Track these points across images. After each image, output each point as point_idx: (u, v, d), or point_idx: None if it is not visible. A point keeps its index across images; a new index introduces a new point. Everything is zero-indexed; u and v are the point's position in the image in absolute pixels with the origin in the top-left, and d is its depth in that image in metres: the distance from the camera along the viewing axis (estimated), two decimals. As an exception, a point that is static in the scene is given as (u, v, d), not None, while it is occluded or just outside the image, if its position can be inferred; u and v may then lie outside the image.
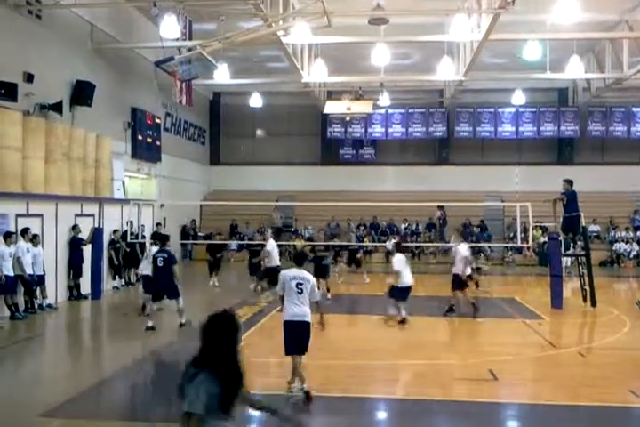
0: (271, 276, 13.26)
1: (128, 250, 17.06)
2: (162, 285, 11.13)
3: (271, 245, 14.57)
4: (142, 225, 17.95)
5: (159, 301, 11.31)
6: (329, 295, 14.41)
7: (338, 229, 24.87)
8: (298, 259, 7.68)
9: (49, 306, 13.28)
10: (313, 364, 8.68)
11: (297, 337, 7.23)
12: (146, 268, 12.42)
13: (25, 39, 14.50)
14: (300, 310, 7.20)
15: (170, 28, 15.07)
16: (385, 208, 25.22)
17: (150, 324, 11.00)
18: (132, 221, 17.16)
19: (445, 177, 28.48)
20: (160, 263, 11.07)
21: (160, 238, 12.01)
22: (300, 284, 7.23)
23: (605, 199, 26.46)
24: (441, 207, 23.73)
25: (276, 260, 14.50)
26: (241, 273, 18.33)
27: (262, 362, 8.48)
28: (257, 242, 16.95)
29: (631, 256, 24.95)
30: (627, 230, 25.86)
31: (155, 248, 12.26)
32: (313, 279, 7.41)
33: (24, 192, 13.33)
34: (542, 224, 18.69)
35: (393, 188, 28.28)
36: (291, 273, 7.38)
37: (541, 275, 16.47)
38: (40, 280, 13.00)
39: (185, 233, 26.00)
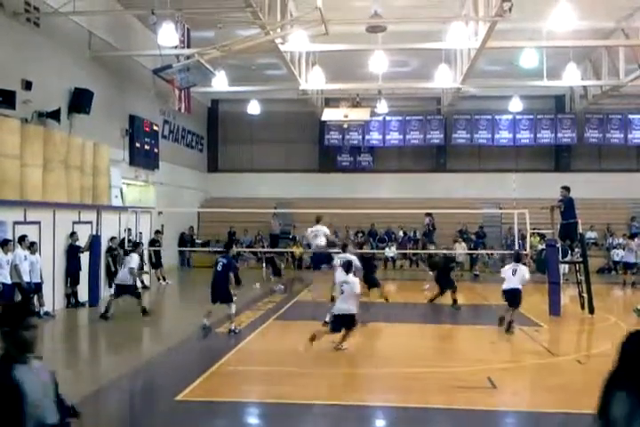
0: None
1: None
2: (217, 288, 11.52)
3: None
4: (140, 232, 17.94)
5: (215, 303, 11.59)
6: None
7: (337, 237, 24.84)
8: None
9: (46, 314, 13.23)
10: (308, 372, 8.67)
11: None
12: (123, 276, 13.17)
13: (23, 47, 14.53)
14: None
15: (168, 35, 15.13)
16: (383, 215, 25.24)
17: (207, 323, 11.57)
18: (129, 229, 17.14)
19: (443, 184, 28.53)
20: (219, 268, 11.54)
21: (225, 244, 12.80)
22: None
23: (603, 206, 26.53)
24: (429, 214, 23.75)
25: None
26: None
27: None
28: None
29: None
30: (624, 237, 25.85)
31: (134, 256, 13.27)
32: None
33: (22, 200, 13.30)
34: (540, 231, 18.69)
35: (390, 195, 28.30)
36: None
37: (539, 282, 16.45)
38: (37, 288, 12.96)
39: (183, 240, 25.98)
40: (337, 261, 13.32)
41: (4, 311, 3.28)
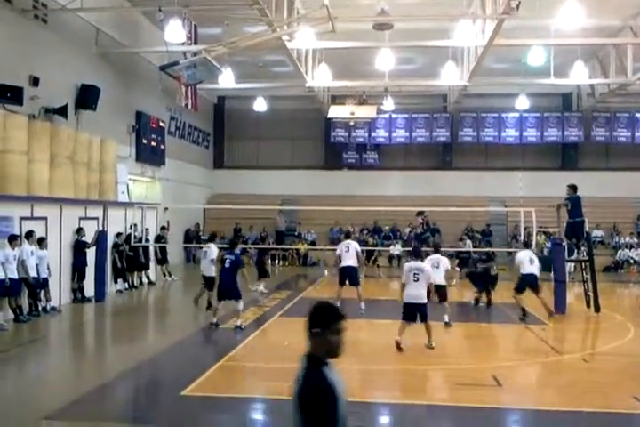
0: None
1: (131, 254, 17.11)
2: (225, 285, 11.46)
3: None
4: (147, 228, 18.00)
5: (223, 300, 11.58)
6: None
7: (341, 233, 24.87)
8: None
9: (53, 309, 13.30)
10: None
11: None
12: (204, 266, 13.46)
13: (31, 43, 14.58)
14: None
15: (175, 32, 15.14)
16: (388, 213, 25.23)
17: (214, 320, 11.52)
18: (134, 225, 17.19)
19: (449, 182, 28.48)
20: (227, 265, 11.49)
21: (230, 242, 12.84)
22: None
23: (609, 205, 26.42)
24: (421, 213, 23.41)
25: None
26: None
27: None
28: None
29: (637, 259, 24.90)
30: (631, 236, 25.81)
31: (213, 247, 13.56)
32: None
33: (29, 195, 13.36)
34: (546, 229, 18.64)
35: (396, 192, 28.26)
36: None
37: (545, 280, 16.42)
38: (44, 283, 13.04)
39: (188, 236, 26.03)
40: (341, 247, 13.86)
41: (316, 312, 3.15)
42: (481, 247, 18.86)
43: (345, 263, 13.67)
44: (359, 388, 8.02)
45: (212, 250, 13.51)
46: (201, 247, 16.02)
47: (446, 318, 11.98)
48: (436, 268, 11.76)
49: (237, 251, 12.27)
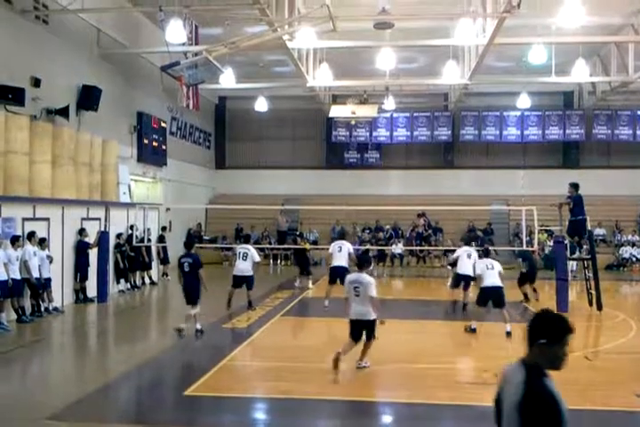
0: None
1: (132, 254, 17.12)
2: (191, 289, 11.00)
3: None
4: (148, 229, 18.02)
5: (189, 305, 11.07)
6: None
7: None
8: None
9: (55, 309, 13.33)
10: (317, 367, 8.71)
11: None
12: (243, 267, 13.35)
13: (32, 44, 14.60)
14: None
15: (176, 32, 15.15)
16: (390, 212, 25.24)
17: (182, 326, 10.88)
18: (132, 226, 17.17)
19: (450, 181, 28.50)
20: (186, 268, 10.98)
21: (185, 244, 11.94)
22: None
23: (611, 203, 26.40)
24: (422, 214, 23.36)
25: None
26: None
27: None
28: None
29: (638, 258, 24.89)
30: (633, 234, 25.78)
31: (252, 248, 13.64)
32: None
33: (31, 196, 13.39)
34: (548, 228, 18.63)
35: (398, 191, 28.29)
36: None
37: (547, 279, 16.43)
38: (46, 284, 13.08)
39: (190, 236, 26.04)
40: (333, 247, 13.66)
41: (545, 323, 3.07)
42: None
43: (336, 263, 13.74)
44: (360, 386, 8.04)
45: (253, 251, 13.57)
46: (202, 248, 16.02)
47: (508, 328, 11.05)
48: (491, 269, 11.27)
49: (194, 252, 11.57)
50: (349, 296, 8.56)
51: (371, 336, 8.62)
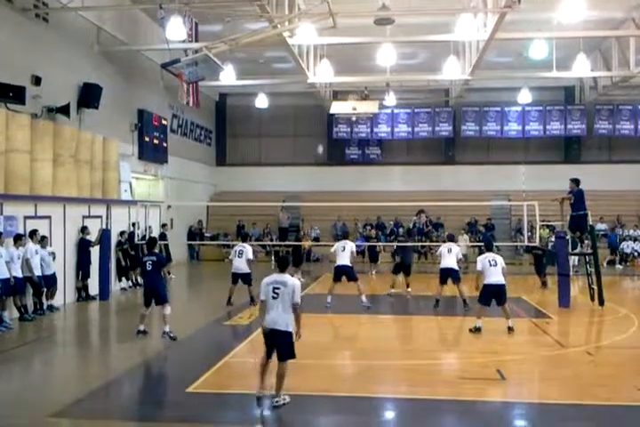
0: None
1: (133, 253, 17.11)
2: (150, 289, 10.64)
3: None
4: (150, 226, 18.01)
5: (149, 306, 10.66)
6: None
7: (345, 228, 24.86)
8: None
9: (49, 307, 13.32)
10: (320, 364, 8.72)
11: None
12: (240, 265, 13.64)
13: (32, 42, 14.59)
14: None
15: (176, 30, 15.15)
16: (391, 208, 25.22)
17: (142, 328, 10.72)
18: (133, 223, 17.17)
19: (452, 176, 28.50)
20: (149, 267, 10.51)
21: (148, 243, 11.30)
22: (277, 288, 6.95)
23: (612, 198, 26.38)
24: (422, 211, 23.38)
25: None
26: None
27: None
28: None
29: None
30: (635, 228, 25.75)
31: (249, 247, 13.84)
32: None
33: (32, 194, 13.41)
34: (549, 223, 18.63)
35: (399, 187, 28.28)
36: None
37: (549, 274, 16.42)
38: (51, 282, 13.10)
39: (192, 234, 26.08)
40: (337, 246, 14.21)
41: None
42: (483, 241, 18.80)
43: (340, 262, 13.98)
44: (363, 382, 8.05)
45: (249, 250, 13.85)
46: (203, 245, 16.09)
47: (509, 323, 11.05)
48: (494, 266, 11.09)
49: (157, 250, 11.20)
50: (266, 299, 6.97)
51: (285, 355, 6.86)
